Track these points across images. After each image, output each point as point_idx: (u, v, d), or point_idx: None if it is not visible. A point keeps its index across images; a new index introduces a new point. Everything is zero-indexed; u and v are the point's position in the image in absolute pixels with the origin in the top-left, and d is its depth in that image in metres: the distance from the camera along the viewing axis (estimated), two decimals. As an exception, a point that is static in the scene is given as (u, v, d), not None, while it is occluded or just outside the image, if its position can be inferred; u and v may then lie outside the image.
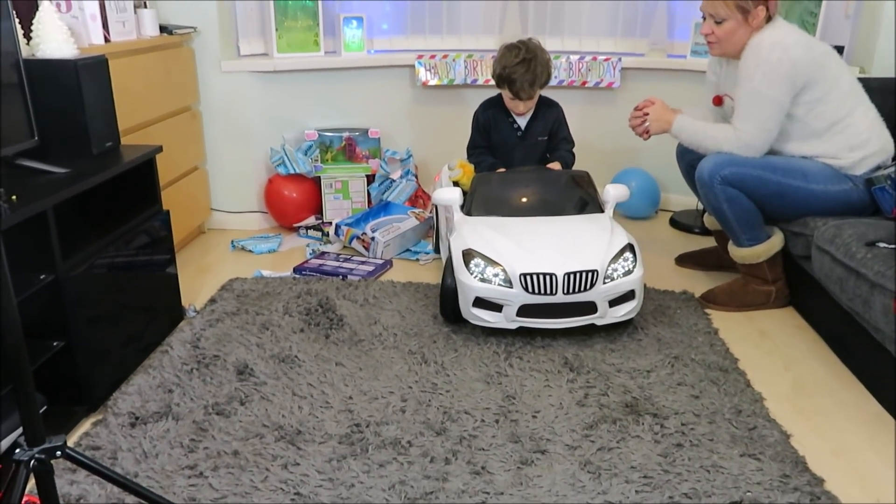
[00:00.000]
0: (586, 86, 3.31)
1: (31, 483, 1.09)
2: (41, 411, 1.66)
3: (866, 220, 2.13)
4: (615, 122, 3.07)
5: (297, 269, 2.70)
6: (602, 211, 2.34)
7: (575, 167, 2.66)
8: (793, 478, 1.58)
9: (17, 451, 1.04)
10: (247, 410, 1.81)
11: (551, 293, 2.04)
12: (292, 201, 3.12)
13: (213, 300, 2.44)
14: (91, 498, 1.49)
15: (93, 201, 2.03)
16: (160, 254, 2.21)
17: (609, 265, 2.08)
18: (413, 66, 3.27)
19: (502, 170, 2.55)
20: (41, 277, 1.67)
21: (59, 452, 1.06)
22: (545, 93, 2.62)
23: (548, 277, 2.03)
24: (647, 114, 2.47)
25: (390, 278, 2.65)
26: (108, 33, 2.43)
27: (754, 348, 2.19)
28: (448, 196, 2.36)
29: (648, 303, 2.42)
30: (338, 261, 2.79)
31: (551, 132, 2.63)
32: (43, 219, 1.65)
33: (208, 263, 2.85)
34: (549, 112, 2.62)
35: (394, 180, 3.19)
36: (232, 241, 3.01)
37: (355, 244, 2.90)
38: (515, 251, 2.09)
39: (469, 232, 2.20)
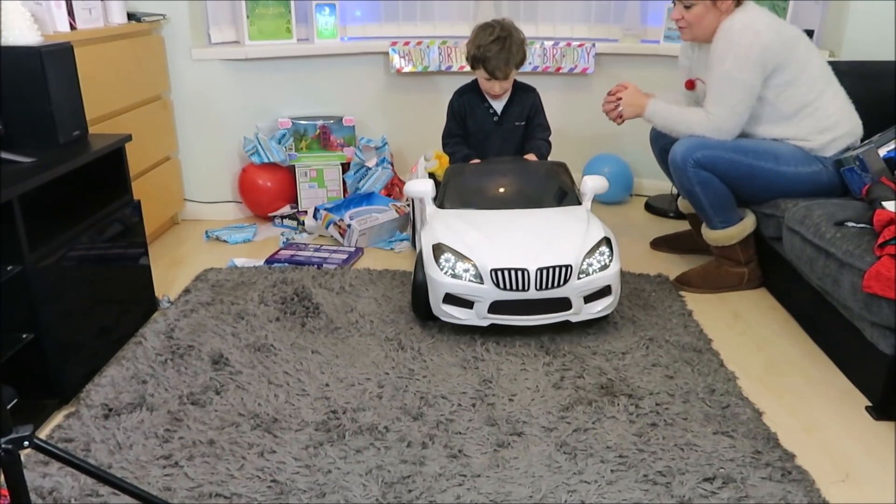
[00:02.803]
0: (561, 72, 3.31)
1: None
2: (11, 405, 1.65)
3: (836, 200, 2.16)
4: (589, 107, 3.07)
5: (268, 261, 2.68)
6: (579, 203, 2.27)
7: (550, 155, 2.64)
8: (764, 454, 1.60)
9: (-16, 441, 1.02)
10: (222, 400, 1.80)
11: (523, 289, 1.98)
12: (267, 190, 3.10)
13: (187, 290, 2.42)
14: (64, 490, 1.47)
15: (61, 192, 1.99)
16: (132, 244, 2.18)
17: (584, 260, 2.02)
18: (387, 54, 3.25)
19: (477, 161, 2.48)
20: (8, 269, 1.64)
21: (26, 442, 1.04)
22: (522, 78, 2.59)
23: (519, 273, 1.97)
24: (620, 98, 2.48)
25: (366, 266, 2.64)
26: (74, 21, 2.38)
27: (728, 329, 2.21)
28: (420, 188, 2.28)
29: (624, 286, 2.43)
30: (309, 250, 2.77)
31: (528, 117, 2.57)
32: (8, 209, 1.61)
33: (182, 254, 2.81)
34: (525, 97, 2.57)
35: (369, 168, 3.17)
36: (206, 232, 2.98)
37: (332, 230, 2.89)
38: (486, 246, 2.02)
39: (440, 225, 2.13)
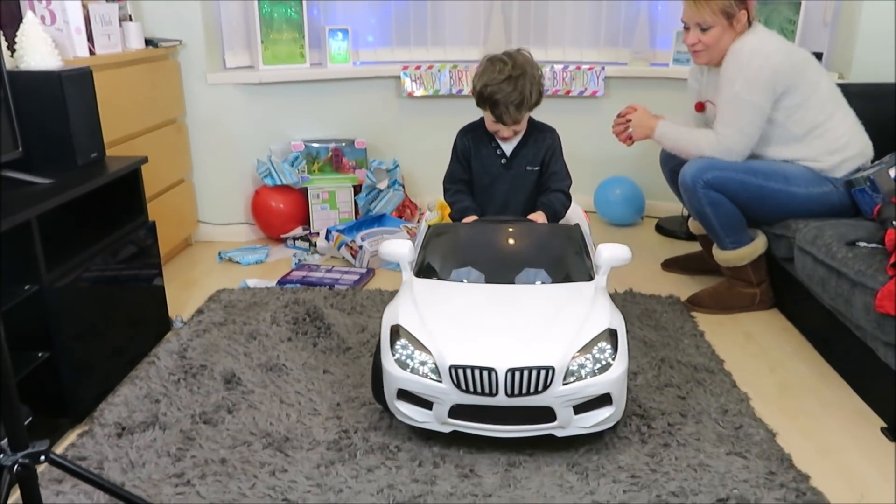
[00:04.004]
0: (570, 95, 3.34)
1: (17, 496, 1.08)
2: (25, 423, 1.66)
3: (847, 221, 2.16)
4: (600, 130, 3.09)
5: (281, 281, 2.70)
6: (591, 277, 1.81)
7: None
8: (779, 475, 1.59)
9: (1, 455, 1.03)
10: (234, 419, 1.81)
11: (490, 394, 1.55)
12: (279, 212, 3.13)
13: (200, 311, 2.44)
14: (77, 508, 1.48)
15: (78, 213, 2.02)
16: (147, 265, 2.20)
17: (574, 360, 1.58)
18: (399, 77, 3.29)
19: (473, 218, 2.03)
20: (25, 288, 1.67)
21: (42, 457, 1.05)
22: (541, 117, 2.16)
23: (485, 373, 1.54)
24: (629, 120, 2.51)
25: (378, 287, 2.65)
26: (94, 46, 2.43)
27: (740, 350, 2.20)
28: (395, 251, 1.85)
29: (634, 307, 2.44)
30: (321, 271, 2.79)
31: (543, 162, 2.10)
32: (27, 229, 1.64)
33: (195, 275, 2.84)
34: (541, 138, 2.10)
35: (381, 190, 3.20)
36: (219, 253, 3.01)
37: (343, 251, 2.91)
38: (450, 334, 1.61)
39: (406, 300, 1.73)
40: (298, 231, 3.15)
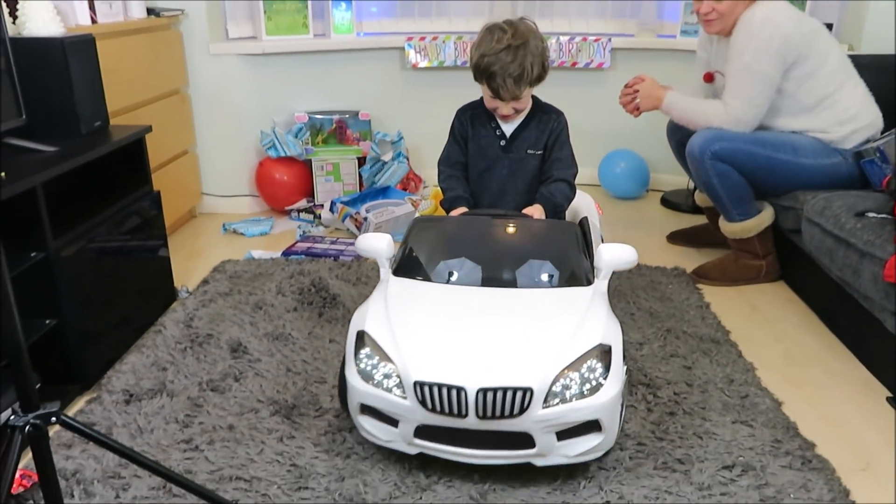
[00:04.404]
0: (576, 67, 3.31)
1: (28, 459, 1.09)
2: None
3: (855, 192, 2.15)
4: (605, 103, 3.06)
5: (285, 252, 2.70)
6: (589, 282, 1.62)
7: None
8: (784, 443, 1.59)
9: (12, 416, 1.03)
10: (241, 387, 1.81)
11: (459, 415, 1.37)
12: (283, 184, 3.11)
13: (205, 281, 2.44)
14: (87, 472, 1.49)
15: (83, 182, 2.02)
16: (152, 235, 2.20)
17: (557, 380, 1.38)
18: (403, 49, 3.26)
19: (463, 210, 1.85)
20: (32, 255, 1.66)
21: (54, 418, 1.06)
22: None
23: (454, 392, 1.36)
24: (637, 91, 2.48)
25: (383, 259, 2.65)
26: (95, 14, 2.41)
27: (746, 321, 2.20)
28: (372, 245, 1.66)
29: (640, 279, 2.43)
30: (325, 243, 2.78)
31: (546, 146, 1.90)
32: (32, 196, 1.63)
33: (200, 247, 2.84)
34: (545, 119, 1.90)
35: (385, 162, 3.18)
36: (223, 225, 3.00)
37: (348, 223, 2.90)
38: (418, 345, 1.43)
39: (377, 302, 1.55)
40: (302, 203, 3.14)
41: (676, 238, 2.85)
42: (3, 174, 1.59)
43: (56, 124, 1.93)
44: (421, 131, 3.35)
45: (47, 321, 1.72)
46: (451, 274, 1.63)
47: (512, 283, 1.60)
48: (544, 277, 1.62)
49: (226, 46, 3.04)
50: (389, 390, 1.42)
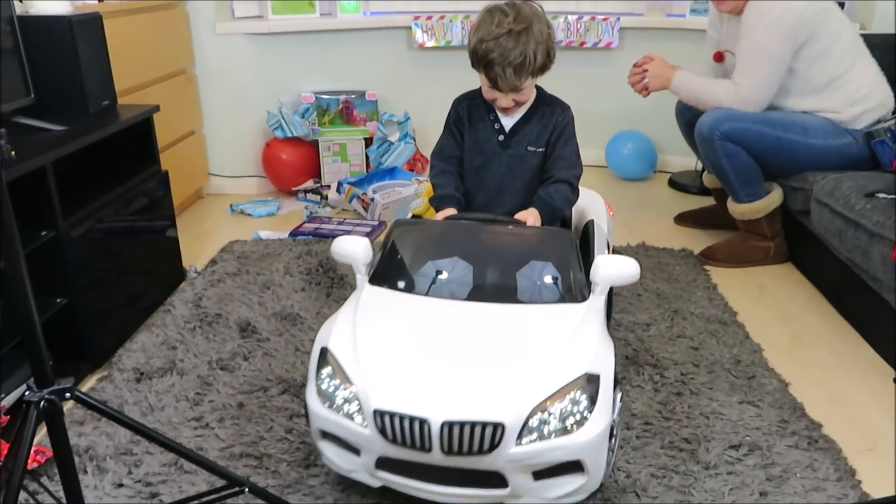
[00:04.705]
0: (584, 46, 3.28)
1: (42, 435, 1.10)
2: (46, 366, 1.68)
3: (866, 173, 2.14)
4: (613, 83, 3.04)
5: (293, 233, 2.70)
6: (583, 298, 1.43)
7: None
8: (791, 423, 1.60)
9: (27, 392, 1.04)
10: (250, 365, 1.83)
11: (423, 448, 1.21)
12: (290, 165, 3.11)
13: (213, 262, 2.45)
14: (99, 449, 1.51)
15: (91, 162, 2.02)
16: (160, 215, 2.20)
17: (534, 414, 1.22)
18: (409, 28, 3.24)
19: (450, 212, 1.66)
20: (42, 234, 1.67)
21: (68, 394, 1.07)
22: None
23: (416, 424, 1.20)
24: (646, 70, 2.46)
25: (390, 239, 2.65)
26: (101, -7, 2.39)
27: (753, 302, 2.20)
28: (348, 249, 1.51)
29: (647, 260, 2.43)
30: (332, 223, 2.79)
31: (548, 142, 1.72)
32: (42, 175, 1.64)
33: (208, 227, 2.84)
34: (549, 113, 1.72)
35: (392, 143, 3.18)
36: (231, 205, 3.01)
37: (355, 203, 2.90)
38: (382, 369, 1.27)
39: (346, 315, 1.40)
40: (309, 184, 3.14)
41: (684, 219, 2.84)
42: (12, 153, 1.60)
43: (64, 103, 1.93)
44: (428, 112, 3.32)
45: (58, 300, 1.73)
46: (430, 285, 1.46)
47: (497, 298, 1.42)
48: (532, 292, 1.44)
49: (232, 26, 3.02)
50: (350, 416, 1.26)
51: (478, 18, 1.64)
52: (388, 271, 1.50)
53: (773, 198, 2.38)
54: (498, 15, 1.59)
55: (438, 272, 1.47)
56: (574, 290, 1.44)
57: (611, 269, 1.44)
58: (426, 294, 1.44)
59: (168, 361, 1.84)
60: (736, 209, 2.42)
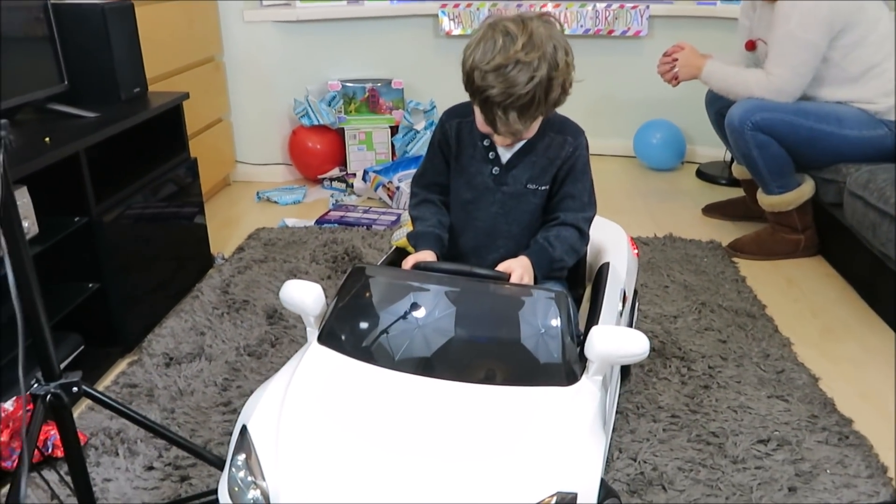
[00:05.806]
0: (613, 35, 3.25)
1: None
2: (78, 351, 1.71)
3: (901, 165, 2.09)
4: (642, 71, 3.01)
5: (319, 221, 2.72)
6: (572, 380, 1.13)
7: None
8: (821, 418, 1.58)
9: (35, 385, 1.05)
10: (278, 352, 1.84)
11: None
12: (316, 153, 3.12)
13: (240, 248, 2.47)
14: (130, 432, 1.53)
15: (122, 148, 2.04)
16: (189, 201, 2.22)
17: None
18: (436, 16, 3.23)
19: (424, 256, 1.34)
20: (75, 220, 1.70)
21: (75, 388, 1.08)
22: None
23: None
24: (676, 59, 2.43)
25: (415, 228, 2.65)
26: (132, -20, 2.41)
27: (782, 296, 2.17)
28: (296, 297, 1.23)
29: (674, 251, 2.41)
30: (358, 212, 2.80)
31: (555, 179, 1.38)
32: (76, 161, 1.66)
33: (235, 214, 2.87)
34: (556, 144, 1.37)
35: (417, 131, 3.17)
36: (257, 193, 3.03)
37: (380, 192, 2.91)
38: (301, 463, 1.02)
39: (277, 384, 1.15)
40: (335, 172, 3.15)
41: (712, 211, 2.80)
42: (47, 139, 1.62)
43: (96, 90, 1.96)
44: (454, 100, 3.28)
45: (90, 285, 1.76)
46: (383, 353, 1.17)
47: (463, 376, 1.12)
48: (508, 371, 1.15)
49: (260, 13, 3.03)
50: None
51: (478, 35, 1.26)
52: (339, 330, 1.21)
53: (805, 189, 2.34)
54: (502, 36, 1.22)
55: (395, 337, 1.19)
56: (561, 369, 1.13)
57: (609, 344, 1.12)
58: (377, 363, 1.15)
59: (197, 347, 1.86)
60: (766, 201, 2.38)
